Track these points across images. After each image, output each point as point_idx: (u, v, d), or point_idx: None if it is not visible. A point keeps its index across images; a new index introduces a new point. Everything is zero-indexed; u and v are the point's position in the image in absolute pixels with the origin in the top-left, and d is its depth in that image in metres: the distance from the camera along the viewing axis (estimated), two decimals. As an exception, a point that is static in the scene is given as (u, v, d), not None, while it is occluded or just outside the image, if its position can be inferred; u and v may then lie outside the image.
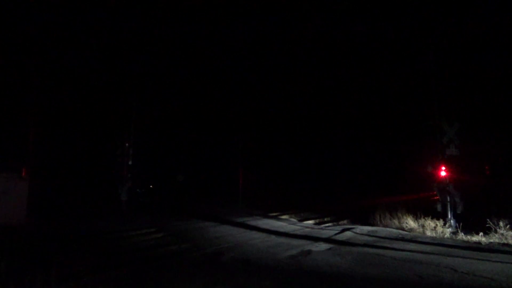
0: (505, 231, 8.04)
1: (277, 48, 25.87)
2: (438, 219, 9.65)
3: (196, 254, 7.33)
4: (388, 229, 10.13)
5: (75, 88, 19.02)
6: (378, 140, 31.45)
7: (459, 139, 9.87)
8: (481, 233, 8.17)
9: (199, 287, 5.15)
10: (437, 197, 10.22)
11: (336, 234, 9.34)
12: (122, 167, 14.22)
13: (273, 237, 9.25)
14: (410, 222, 10.08)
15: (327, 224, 13.22)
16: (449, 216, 9.68)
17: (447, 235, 8.99)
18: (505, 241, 7.64)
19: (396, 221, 10.75)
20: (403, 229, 9.95)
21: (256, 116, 25.11)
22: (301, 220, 13.31)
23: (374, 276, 5.45)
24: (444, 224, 9.48)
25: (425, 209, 10.94)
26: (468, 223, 9.31)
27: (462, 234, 8.71)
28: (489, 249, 7.10)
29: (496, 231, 8.17)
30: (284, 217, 13.92)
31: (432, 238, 8.62)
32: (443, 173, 9.88)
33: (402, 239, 8.46)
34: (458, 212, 9.54)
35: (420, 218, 10.10)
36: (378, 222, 11.30)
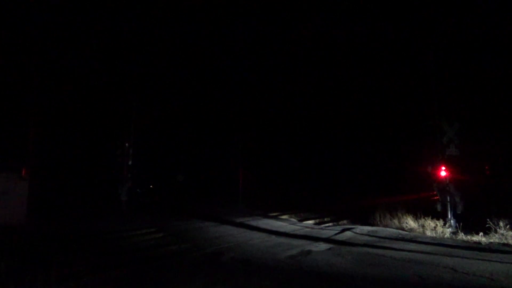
0: (505, 231, 8.04)
1: (277, 48, 25.87)
2: (438, 219, 9.65)
3: (196, 254, 7.33)
4: (388, 229, 10.12)
5: (75, 88, 19.02)
6: (378, 140, 31.45)
7: (459, 139, 9.86)
8: (481, 233, 8.17)
9: (199, 287, 5.15)
10: (437, 197, 10.22)
11: (336, 234, 9.34)
12: (122, 167, 14.22)
13: (273, 237, 9.26)
14: (410, 222, 10.08)
15: (327, 224, 13.22)
16: (449, 216, 9.67)
17: (447, 235, 8.99)
18: (505, 241, 7.64)
19: (396, 221, 10.75)
20: (403, 229, 9.95)
21: (256, 116, 25.11)
22: (301, 220, 13.31)
23: (374, 276, 5.45)
24: (444, 224, 9.48)
25: (425, 209, 10.94)
26: (468, 223, 9.31)
27: (462, 234, 8.70)
28: (489, 249, 7.10)
29: (496, 231, 8.17)
30: (284, 217, 13.92)
31: (432, 238, 8.62)
32: (443, 173, 9.88)
33: (402, 239, 8.46)
34: (458, 212, 9.54)
35: (420, 218, 10.10)
36: (378, 222, 11.30)
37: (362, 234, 9.28)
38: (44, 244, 8.17)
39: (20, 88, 13.68)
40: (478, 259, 6.24)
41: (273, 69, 26.95)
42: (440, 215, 9.86)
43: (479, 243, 7.67)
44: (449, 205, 9.73)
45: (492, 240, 7.78)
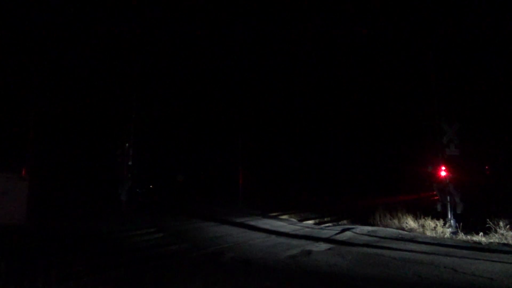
0: (505, 231, 8.04)
1: (277, 48, 25.88)
2: (438, 219, 9.65)
3: (196, 254, 7.32)
4: (388, 229, 10.12)
5: (75, 88, 19.03)
6: (378, 140, 31.46)
7: (459, 139, 9.86)
8: (481, 233, 8.17)
9: (199, 287, 5.15)
10: (437, 197, 10.22)
11: (336, 234, 9.34)
12: (122, 167, 14.20)
13: (273, 237, 9.25)
14: (410, 222, 10.07)
15: (327, 224, 13.21)
16: (449, 216, 9.67)
17: (447, 235, 8.99)
18: (505, 241, 7.64)
19: (396, 221, 10.75)
20: (403, 229, 9.95)
21: (256, 116, 25.12)
22: (301, 220, 13.31)
23: (374, 276, 5.45)
24: (444, 224, 9.48)
25: (425, 209, 10.94)
26: (468, 223, 9.31)
27: (462, 234, 8.70)
28: (489, 249, 7.10)
29: (496, 231, 8.17)
30: (284, 217, 13.92)
31: (432, 238, 8.62)
32: (443, 173, 9.88)
33: (402, 239, 8.45)
34: (458, 212, 9.53)
35: (420, 218, 10.10)
36: (378, 222, 11.29)
37: (362, 234, 9.28)
38: (44, 244, 8.17)
39: (20, 88, 13.68)
40: (478, 259, 6.24)
41: (273, 69, 26.96)
42: (440, 215, 9.86)
43: (479, 243, 7.66)
44: (449, 205, 9.73)
45: (492, 240, 7.78)
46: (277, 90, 27.10)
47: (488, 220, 8.53)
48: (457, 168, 10.17)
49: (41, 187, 14.79)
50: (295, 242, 8.43)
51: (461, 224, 9.25)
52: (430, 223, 9.58)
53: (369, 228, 10.31)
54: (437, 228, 9.27)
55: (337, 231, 9.71)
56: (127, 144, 14.29)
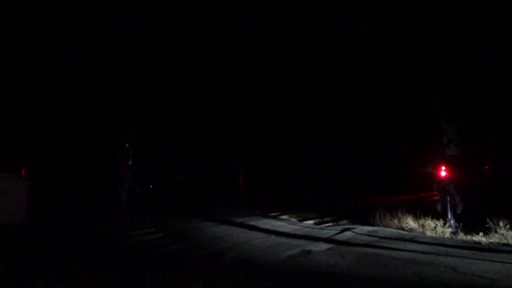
0: (505, 231, 8.04)
1: (277, 48, 25.88)
2: (438, 219, 9.65)
3: (196, 254, 7.32)
4: (388, 229, 10.12)
5: (75, 88, 19.03)
6: (378, 140, 31.47)
7: (459, 139, 9.86)
8: (481, 233, 8.17)
9: (199, 287, 5.15)
10: (437, 197, 10.22)
11: (336, 234, 9.34)
12: (122, 167, 14.20)
13: (273, 237, 9.25)
14: (410, 222, 10.07)
15: (327, 224, 13.21)
16: (449, 216, 9.67)
17: (447, 235, 8.99)
18: (505, 241, 7.64)
19: (396, 221, 10.75)
20: (403, 229, 9.95)
21: (256, 116, 25.12)
22: (301, 220, 13.31)
23: (374, 276, 5.45)
24: (444, 224, 9.48)
25: (425, 209, 10.95)
26: (468, 223, 9.31)
27: (462, 234, 8.70)
28: (489, 249, 7.10)
29: (496, 231, 8.17)
30: (284, 217, 13.92)
31: (432, 238, 8.62)
32: (443, 173, 9.88)
33: (402, 239, 8.45)
34: (458, 212, 9.53)
35: (420, 218, 10.10)
36: (378, 222, 11.29)
37: (362, 234, 9.28)
38: (44, 244, 8.17)
39: (20, 88, 13.68)
40: (478, 259, 6.24)
41: (273, 69, 26.96)
42: (440, 215, 9.86)
43: (479, 243, 7.67)
44: (449, 205, 9.73)
45: (492, 240, 7.78)
46: (277, 90, 27.11)
47: (488, 220, 8.53)
48: (457, 168, 10.17)
49: (41, 187, 14.78)
50: (295, 242, 8.43)
51: (461, 224, 9.25)
52: (430, 223, 9.58)
53: (369, 228, 10.31)
54: (437, 228, 9.27)
55: (337, 231, 9.71)
56: (127, 144, 14.30)
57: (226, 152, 22.58)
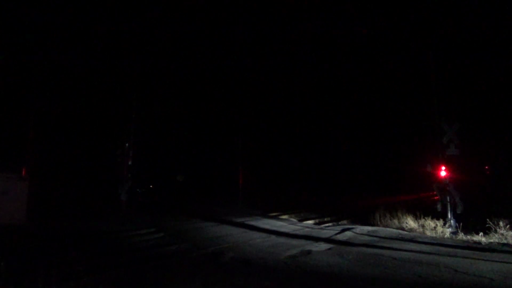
0: (505, 231, 8.04)
1: (277, 48, 25.88)
2: (438, 219, 9.64)
3: (196, 254, 7.32)
4: (388, 229, 10.12)
5: (75, 88, 19.03)
6: (378, 140, 31.48)
7: (459, 139, 9.86)
8: (481, 233, 8.16)
9: (199, 287, 5.15)
10: (437, 197, 10.22)
11: (336, 234, 9.33)
12: (122, 167, 14.20)
13: (273, 237, 9.25)
14: (410, 222, 10.07)
15: (327, 224, 13.21)
16: (449, 216, 9.66)
17: (447, 235, 8.99)
18: (505, 241, 7.64)
19: (396, 221, 10.75)
20: (403, 229, 9.95)
21: (256, 116, 25.12)
22: (301, 220, 13.31)
23: (374, 276, 5.45)
24: (444, 224, 9.48)
25: (425, 209, 10.94)
26: (468, 223, 9.31)
27: (462, 234, 8.70)
28: (489, 249, 7.10)
29: (496, 231, 8.17)
30: (284, 217, 13.92)
31: (432, 238, 8.62)
32: (443, 173, 9.87)
33: (402, 239, 8.45)
34: (458, 212, 9.53)
35: (420, 218, 10.10)
36: (378, 222, 11.29)
37: (362, 234, 9.28)
38: (44, 244, 8.17)
39: (20, 88, 13.68)
40: (478, 259, 6.24)
41: (273, 69, 26.96)
42: (440, 215, 9.86)
43: (479, 243, 7.66)
44: (449, 205, 9.72)
45: (492, 240, 7.78)
46: (277, 90, 27.11)
47: (488, 220, 8.53)
48: (457, 168, 10.16)
49: (41, 187, 14.79)
50: (295, 242, 8.43)
51: (461, 224, 9.25)
52: (430, 223, 9.57)
53: (369, 228, 10.31)
54: (437, 228, 9.27)
55: (337, 231, 9.71)
56: (127, 144, 14.30)
57: (226, 152, 22.59)
